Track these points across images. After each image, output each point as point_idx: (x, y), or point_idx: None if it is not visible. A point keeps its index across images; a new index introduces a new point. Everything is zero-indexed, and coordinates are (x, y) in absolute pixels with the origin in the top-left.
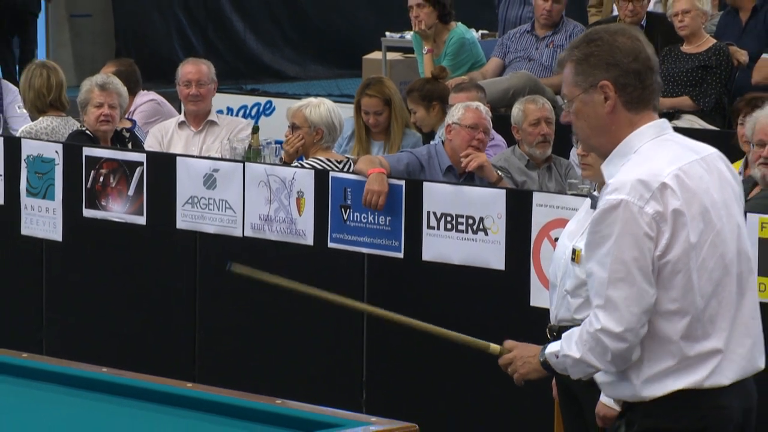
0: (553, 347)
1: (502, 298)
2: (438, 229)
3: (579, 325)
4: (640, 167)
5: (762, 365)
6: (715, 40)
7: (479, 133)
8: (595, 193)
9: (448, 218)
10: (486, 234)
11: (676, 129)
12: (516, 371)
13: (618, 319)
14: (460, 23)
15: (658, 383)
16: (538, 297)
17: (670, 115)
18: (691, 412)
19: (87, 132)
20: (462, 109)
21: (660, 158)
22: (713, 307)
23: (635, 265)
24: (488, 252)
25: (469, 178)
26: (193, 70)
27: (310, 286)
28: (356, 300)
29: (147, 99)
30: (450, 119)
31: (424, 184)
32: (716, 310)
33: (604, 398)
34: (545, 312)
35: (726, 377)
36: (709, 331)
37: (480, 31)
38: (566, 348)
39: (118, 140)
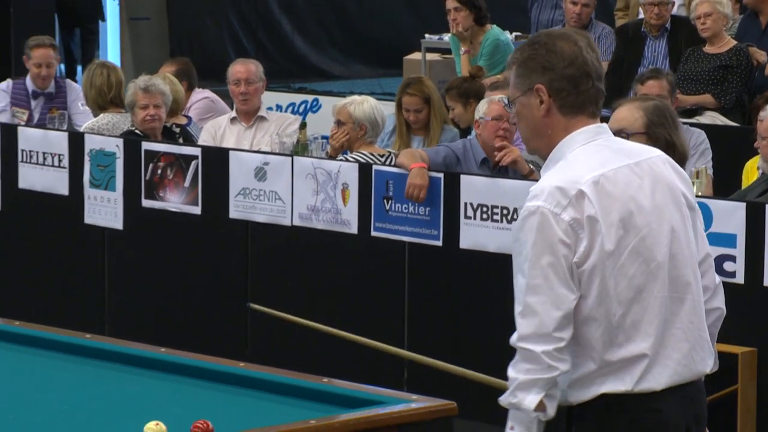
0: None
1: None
2: (474, 218)
3: None
4: (560, 174)
5: (706, 369)
6: (735, 42)
7: (504, 123)
8: None
9: (484, 208)
10: None
11: (699, 125)
12: None
13: (538, 324)
14: (494, 26)
15: (584, 388)
16: None
17: (693, 111)
18: (624, 415)
19: (137, 132)
20: (486, 104)
21: (583, 164)
22: (636, 312)
23: (551, 271)
24: None
25: (502, 170)
26: (242, 69)
27: (325, 326)
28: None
29: (201, 97)
30: (477, 115)
31: (462, 176)
32: (640, 316)
33: None
34: None
35: (658, 382)
36: (633, 337)
37: (513, 33)
38: (503, 395)
39: (168, 136)
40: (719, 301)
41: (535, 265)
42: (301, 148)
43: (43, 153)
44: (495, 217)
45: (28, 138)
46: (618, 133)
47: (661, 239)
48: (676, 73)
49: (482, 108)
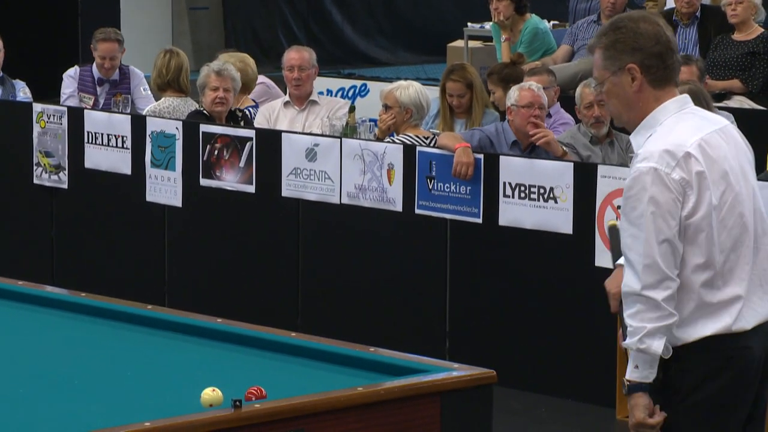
0: (628, 372)
1: (570, 259)
2: (513, 197)
3: None
4: (665, 138)
5: None
6: (763, 29)
7: (535, 110)
8: None
9: (522, 188)
10: (555, 202)
11: (727, 109)
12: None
13: (658, 272)
14: (534, 14)
15: (686, 330)
16: (602, 258)
17: (722, 96)
18: (720, 353)
19: (204, 112)
20: (517, 91)
21: (683, 130)
22: (732, 260)
23: (666, 224)
24: (557, 218)
25: (531, 151)
26: (296, 56)
27: None
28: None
29: (258, 82)
30: (509, 102)
31: (501, 157)
32: (735, 263)
33: None
34: (608, 271)
35: (748, 322)
36: (729, 282)
37: (551, 22)
38: (630, 341)
39: (232, 119)
40: None
41: (653, 220)
42: (350, 131)
43: (108, 135)
44: (532, 195)
45: (94, 121)
46: None
47: (748, 196)
48: (705, 59)
49: (513, 95)
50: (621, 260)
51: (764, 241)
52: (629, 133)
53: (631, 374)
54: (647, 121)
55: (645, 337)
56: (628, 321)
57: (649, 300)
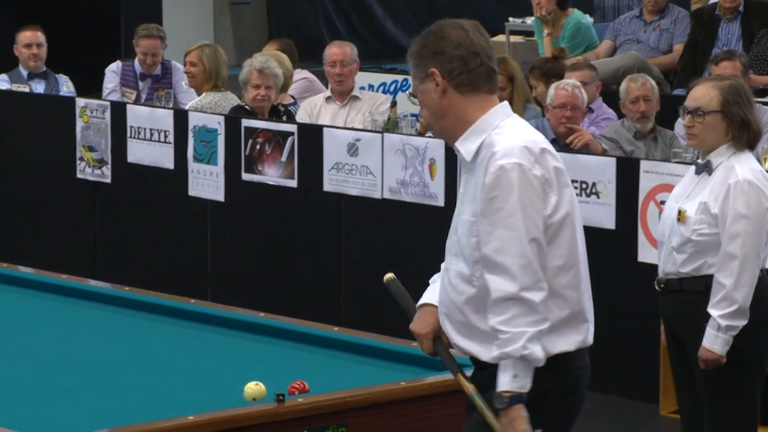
0: (499, 383)
1: (613, 254)
2: None
3: (683, 277)
4: (518, 136)
5: None
6: None
7: (567, 111)
8: (699, 161)
9: None
10: (598, 197)
11: None
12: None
13: (533, 273)
14: (576, 9)
15: (550, 340)
16: (645, 253)
17: (766, 91)
18: (576, 371)
19: (246, 107)
20: (553, 90)
21: (528, 130)
22: (583, 263)
23: (534, 222)
24: (600, 213)
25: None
26: (338, 51)
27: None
28: None
29: (300, 77)
30: (547, 99)
31: None
32: (585, 268)
33: (706, 343)
34: (651, 267)
35: (591, 336)
36: (587, 288)
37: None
38: (512, 348)
39: (275, 114)
40: None
41: (523, 217)
42: (391, 126)
43: (150, 129)
44: (575, 190)
45: (136, 115)
46: (695, 110)
47: (576, 201)
48: (748, 54)
49: (550, 93)
50: (420, 302)
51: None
52: (672, 128)
53: (510, 384)
54: (478, 126)
55: (528, 342)
56: (501, 328)
57: (526, 302)
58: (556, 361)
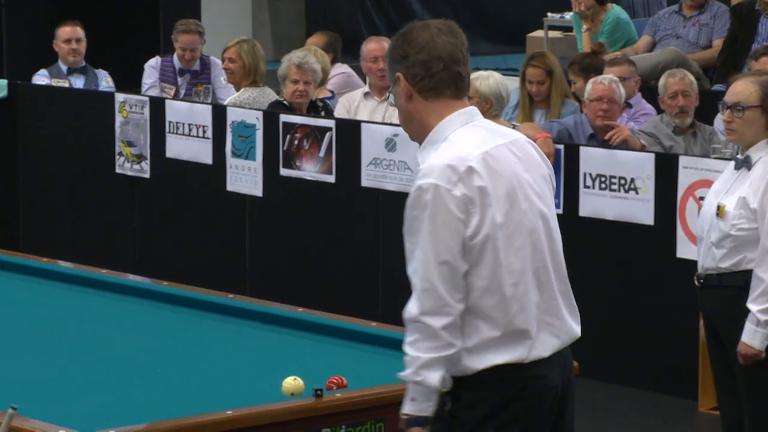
0: (404, 404)
1: (651, 250)
2: (593, 188)
3: (722, 273)
4: (448, 152)
5: (578, 333)
6: None
7: (603, 104)
8: (738, 156)
9: (603, 178)
10: (636, 193)
11: None
12: None
13: (437, 297)
14: (615, 4)
15: (479, 357)
16: (684, 249)
17: None
18: (514, 382)
19: (284, 102)
20: (590, 85)
21: (467, 143)
22: (526, 282)
23: (446, 245)
24: (639, 209)
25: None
26: (377, 47)
27: None
28: None
29: (339, 72)
30: (585, 95)
31: (581, 148)
32: (529, 286)
33: (745, 338)
34: (690, 263)
35: (545, 349)
36: (524, 306)
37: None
38: (406, 372)
39: (313, 109)
40: None
41: (431, 240)
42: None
43: (189, 125)
44: (613, 186)
45: (175, 111)
46: (734, 106)
47: (539, 213)
48: None
49: (588, 88)
50: None
51: (561, 260)
52: (711, 124)
53: (408, 407)
54: (432, 137)
55: (421, 368)
56: (405, 349)
57: (426, 328)
58: (487, 374)
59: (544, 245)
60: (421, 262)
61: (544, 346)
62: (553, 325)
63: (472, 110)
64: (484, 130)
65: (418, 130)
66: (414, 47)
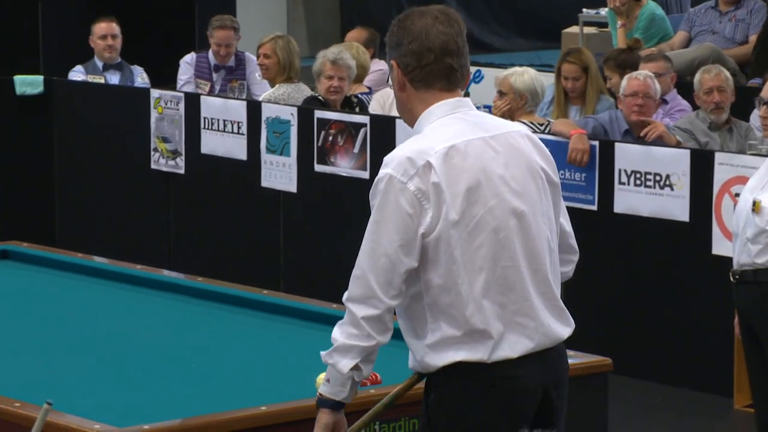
0: (321, 384)
1: (687, 247)
2: (628, 184)
3: (758, 269)
4: (413, 144)
5: (563, 335)
6: None
7: (639, 99)
8: None
9: (638, 175)
10: (672, 189)
11: None
12: None
13: (365, 286)
14: (650, 0)
15: (439, 354)
16: (719, 246)
17: None
18: (481, 382)
19: (319, 98)
20: (625, 81)
21: (436, 136)
22: (486, 282)
23: (390, 238)
24: (674, 205)
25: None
26: None
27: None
28: None
29: (377, 68)
30: (620, 91)
31: (616, 144)
32: (490, 286)
33: None
34: (725, 259)
35: (513, 350)
36: (484, 307)
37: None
38: (324, 352)
39: (347, 105)
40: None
41: (375, 230)
42: None
43: (224, 120)
44: (648, 183)
45: (210, 106)
46: None
47: (512, 210)
48: None
49: (623, 84)
50: None
51: (543, 261)
52: (747, 120)
53: (322, 387)
54: (416, 127)
55: (335, 351)
56: (333, 331)
57: (350, 314)
58: (451, 372)
59: (516, 244)
60: (362, 249)
61: (512, 347)
62: (525, 326)
63: (458, 101)
64: (462, 122)
65: (408, 119)
66: (408, 36)
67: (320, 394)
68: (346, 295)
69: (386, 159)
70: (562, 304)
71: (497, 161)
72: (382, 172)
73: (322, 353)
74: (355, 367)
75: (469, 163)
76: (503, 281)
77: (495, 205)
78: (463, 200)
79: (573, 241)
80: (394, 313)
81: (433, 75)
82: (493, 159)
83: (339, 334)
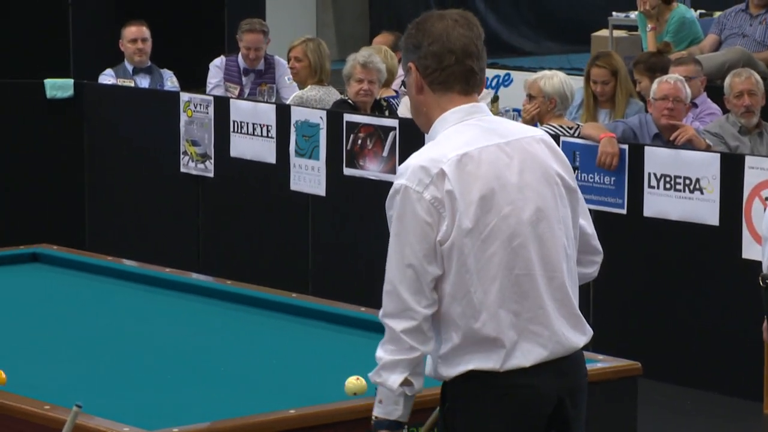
0: (375, 406)
1: (717, 251)
2: (658, 188)
3: None
4: (426, 153)
5: (579, 344)
6: None
7: (669, 103)
8: None
9: (667, 179)
10: (702, 193)
11: None
12: None
13: (398, 300)
14: (681, 3)
15: (452, 364)
16: (750, 250)
17: None
18: (494, 390)
19: (349, 101)
20: (656, 84)
21: (450, 143)
22: (499, 290)
23: (413, 248)
24: (704, 209)
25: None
26: None
27: None
28: None
29: None
30: (650, 95)
31: (646, 147)
32: (504, 294)
33: None
34: (755, 264)
35: (526, 359)
36: (497, 315)
37: (698, 11)
38: (371, 372)
39: (377, 108)
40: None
41: (397, 242)
42: None
43: (253, 124)
44: (678, 186)
45: (239, 110)
46: None
47: (526, 218)
48: None
49: (653, 88)
50: None
51: (560, 268)
52: None
53: (376, 409)
54: (430, 134)
55: (381, 369)
56: (377, 351)
57: (389, 329)
58: (464, 381)
59: (530, 252)
60: (388, 263)
61: (525, 355)
62: (539, 334)
63: (472, 107)
64: (477, 128)
65: (424, 123)
66: (427, 38)
67: (375, 416)
68: (381, 312)
69: (400, 169)
70: (579, 312)
71: (511, 168)
72: (397, 183)
73: (370, 374)
74: (405, 382)
75: (482, 171)
76: (517, 289)
77: (509, 213)
78: (476, 208)
79: (596, 242)
80: None
81: (453, 77)
82: (508, 166)
83: (382, 352)
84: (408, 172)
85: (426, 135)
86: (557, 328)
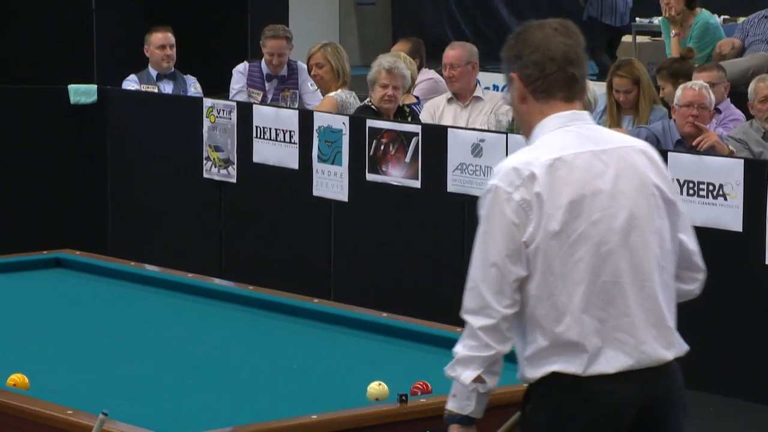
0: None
1: (740, 257)
2: (681, 194)
3: None
4: (521, 155)
5: (667, 357)
6: None
7: (694, 110)
8: None
9: (691, 184)
10: (725, 199)
11: None
12: None
13: (479, 297)
14: (704, 9)
15: (536, 366)
16: None
17: None
18: (576, 395)
19: (372, 107)
20: (680, 91)
21: (545, 148)
22: (585, 295)
23: (497, 248)
24: (727, 215)
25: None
26: (449, 54)
27: None
28: None
29: (427, 77)
30: (674, 101)
31: (669, 153)
32: (589, 299)
33: None
34: None
35: (610, 366)
36: (581, 320)
37: (722, 16)
38: (448, 368)
39: (400, 114)
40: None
41: (483, 240)
42: (516, 126)
43: (276, 129)
44: (701, 192)
45: (262, 115)
46: None
47: (617, 225)
48: None
49: (677, 94)
50: None
51: (651, 277)
52: None
53: (450, 403)
54: (531, 140)
55: (456, 364)
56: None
57: (467, 325)
58: (547, 384)
59: (620, 260)
60: (472, 261)
61: (609, 362)
62: (624, 342)
63: (573, 114)
64: (574, 135)
65: (526, 131)
66: (528, 47)
67: (448, 410)
68: (462, 308)
69: (495, 169)
70: (671, 325)
71: (606, 175)
72: (489, 183)
73: (445, 367)
74: (478, 379)
75: (575, 176)
76: (603, 296)
77: (599, 219)
78: (565, 212)
79: (697, 258)
80: None
81: (556, 84)
82: (602, 173)
83: (460, 347)
84: (501, 173)
85: (526, 141)
86: (643, 338)
